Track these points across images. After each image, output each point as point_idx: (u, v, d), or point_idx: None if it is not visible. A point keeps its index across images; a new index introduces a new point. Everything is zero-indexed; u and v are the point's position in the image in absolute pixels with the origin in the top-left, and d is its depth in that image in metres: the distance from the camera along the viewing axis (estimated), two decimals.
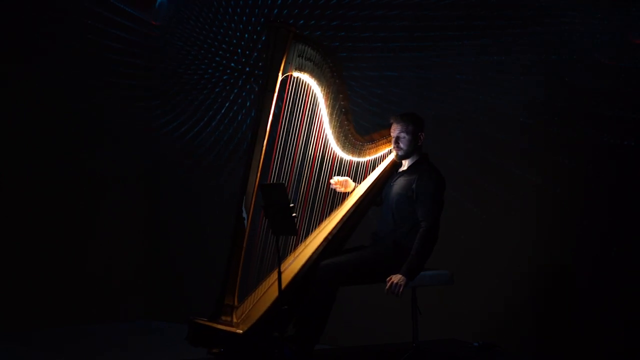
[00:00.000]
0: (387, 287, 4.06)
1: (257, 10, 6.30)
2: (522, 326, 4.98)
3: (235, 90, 6.46)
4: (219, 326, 3.94)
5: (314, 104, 4.33)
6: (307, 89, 4.30)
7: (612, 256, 4.62)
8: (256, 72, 6.29)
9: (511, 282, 5.02)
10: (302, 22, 5.93)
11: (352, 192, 4.54)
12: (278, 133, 4.20)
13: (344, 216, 4.35)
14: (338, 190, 4.50)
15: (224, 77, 6.53)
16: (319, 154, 4.35)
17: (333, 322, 4.23)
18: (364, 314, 5.49)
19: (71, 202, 6.69)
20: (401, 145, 4.32)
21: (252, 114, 6.18)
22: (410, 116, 4.35)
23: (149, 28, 6.84)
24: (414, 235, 4.18)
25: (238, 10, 6.41)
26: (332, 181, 4.47)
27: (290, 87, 4.25)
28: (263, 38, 6.20)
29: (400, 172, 4.40)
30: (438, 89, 5.40)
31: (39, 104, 6.55)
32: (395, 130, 4.34)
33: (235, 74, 6.47)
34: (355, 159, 4.50)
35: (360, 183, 4.58)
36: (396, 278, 4.05)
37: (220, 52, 6.57)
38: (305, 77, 4.29)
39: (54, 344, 5.96)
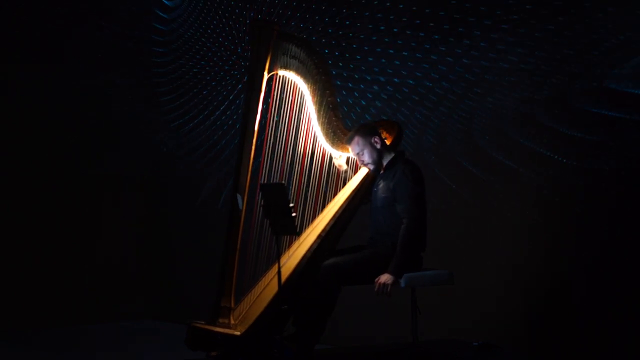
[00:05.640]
0: (375, 288, 4.09)
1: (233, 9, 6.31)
2: (522, 326, 4.97)
3: (235, 92, 6.45)
4: (217, 329, 3.93)
5: (302, 101, 4.33)
6: (293, 86, 4.30)
7: (609, 257, 4.60)
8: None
9: (511, 282, 5.00)
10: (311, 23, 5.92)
11: (343, 186, 4.55)
12: (267, 132, 4.19)
13: (336, 213, 4.36)
14: (334, 159, 4.51)
15: (221, 73, 6.53)
16: (308, 150, 4.36)
17: (333, 322, 4.23)
18: (364, 314, 5.47)
19: (71, 202, 6.70)
20: (365, 160, 4.38)
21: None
22: (355, 132, 4.37)
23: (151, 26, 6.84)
24: None
25: (237, 10, 6.39)
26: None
27: (276, 86, 4.24)
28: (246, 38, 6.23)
29: (380, 176, 4.43)
30: (438, 87, 5.38)
31: (39, 105, 6.55)
32: (352, 153, 4.41)
33: (237, 76, 6.46)
34: (346, 154, 4.52)
35: (353, 175, 4.60)
36: (383, 278, 4.09)
37: (217, 52, 6.56)
38: (291, 75, 4.28)
39: (54, 344, 5.97)
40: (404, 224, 4.18)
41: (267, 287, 4.14)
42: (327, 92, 4.32)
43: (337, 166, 4.54)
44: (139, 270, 6.99)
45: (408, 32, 5.46)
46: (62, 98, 6.63)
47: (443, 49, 5.32)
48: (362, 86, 5.69)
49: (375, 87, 5.63)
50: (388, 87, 5.59)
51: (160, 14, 6.84)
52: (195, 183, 6.77)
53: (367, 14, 5.64)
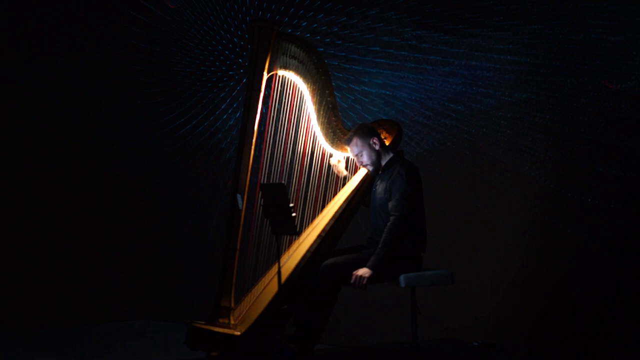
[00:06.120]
0: (352, 279, 4.08)
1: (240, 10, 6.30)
2: (522, 326, 4.97)
3: (234, 93, 6.45)
4: (217, 329, 3.93)
5: (301, 101, 4.34)
6: (293, 86, 4.31)
7: (609, 257, 4.60)
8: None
9: (510, 282, 5.01)
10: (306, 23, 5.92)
11: (342, 186, 4.56)
12: (266, 132, 4.19)
13: (335, 212, 4.36)
14: (333, 166, 4.52)
15: (218, 73, 6.52)
16: (308, 150, 4.36)
17: (333, 322, 4.23)
18: (363, 314, 5.48)
19: (71, 202, 6.69)
20: (363, 161, 4.38)
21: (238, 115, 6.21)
22: (353, 133, 4.38)
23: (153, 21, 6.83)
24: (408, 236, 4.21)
25: (236, 6, 6.39)
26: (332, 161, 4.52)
27: (276, 86, 4.24)
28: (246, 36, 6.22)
29: (378, 176, 4.44)
30: (438, 87, 5.38)
31: (39, 104, 6.55)
32: (351, 154, 4.42)
33: (236, 77, 6.46)
34: (345, 154, 4.52)
35: (352, 175, 4.60)
36: (361, 271, 4.09)
37: (214, 51, 6.55)
38: (290, 75, 4.30)
39: (54, 344, 5.96)
40: (390, 221, 4.18)
41: (267, 287, 4.14)
42: (327, 92, 4.32)
43: (337, 172, 4.54)
44: (139, 270, 6.99)
45: (414, 32, 5.46)
46: (61, 98, 6.63)
47: (444, 48, 5.32)
48: (365, 88, 5.69)
49: (381, 90, 5.63)
50: (390, 87, 5.59)
51: (159, 12, 6.83)
52: (195, 183, 6.77)
53: (373, 12, 5.64)
